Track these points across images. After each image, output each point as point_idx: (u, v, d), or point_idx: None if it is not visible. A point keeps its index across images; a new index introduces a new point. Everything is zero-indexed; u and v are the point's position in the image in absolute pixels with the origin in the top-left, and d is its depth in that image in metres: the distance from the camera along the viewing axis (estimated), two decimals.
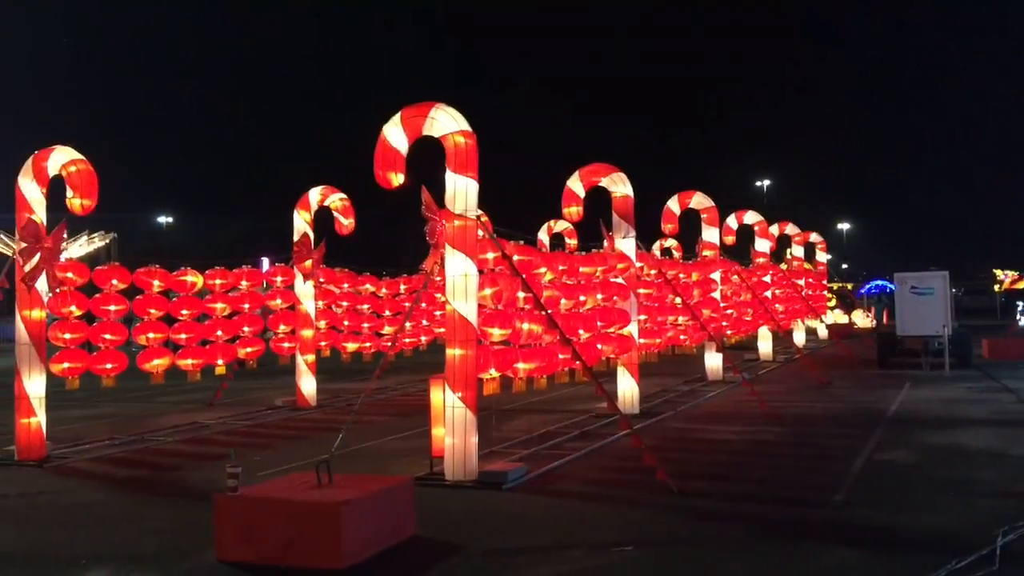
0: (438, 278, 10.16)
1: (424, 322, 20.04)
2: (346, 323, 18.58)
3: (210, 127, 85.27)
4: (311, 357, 16.64)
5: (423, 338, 20.48)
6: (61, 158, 11.49)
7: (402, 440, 12.52)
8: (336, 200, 16.44)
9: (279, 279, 16.91)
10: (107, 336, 13.07)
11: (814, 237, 33.70)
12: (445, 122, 9.62)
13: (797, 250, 31.22)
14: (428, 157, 9.94)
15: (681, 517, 8.16)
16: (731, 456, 11.04)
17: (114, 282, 13.31)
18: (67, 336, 12.32)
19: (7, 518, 8.57)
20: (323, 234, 16.73)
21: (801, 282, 28.61)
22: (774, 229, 28.11)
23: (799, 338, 28.50)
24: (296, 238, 16.36)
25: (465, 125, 9.63)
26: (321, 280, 17.16)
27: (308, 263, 16.30)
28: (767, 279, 24.47)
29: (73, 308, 12.22)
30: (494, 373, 9.92)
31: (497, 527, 7.94)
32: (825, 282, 34.72)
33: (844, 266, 66.24)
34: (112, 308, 13.22)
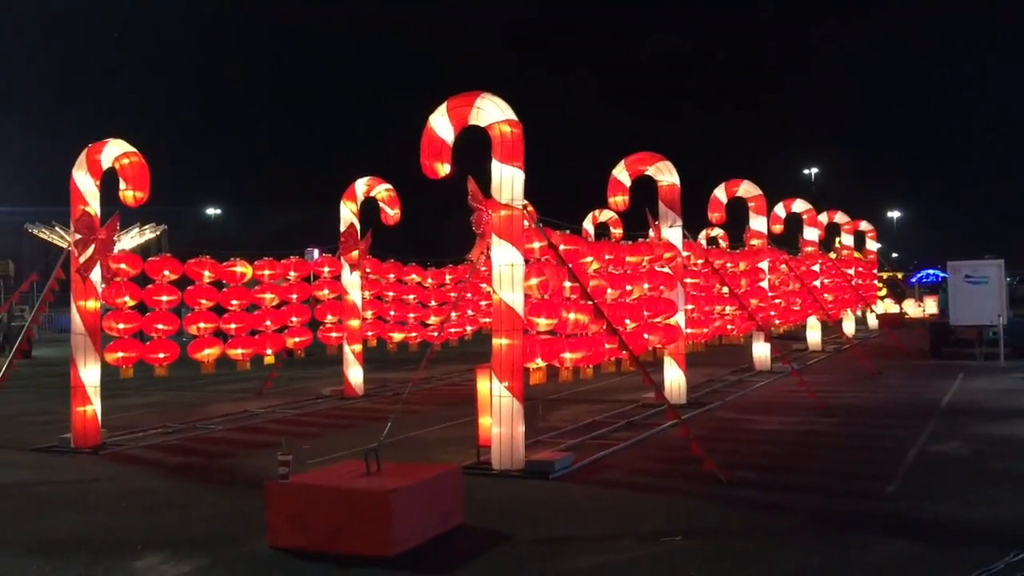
0: (484, 268, 10.16)
1: (469, 312, 20.09)
2: (392, 313, 18.69)
3: (257, 119, 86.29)
4: (358, 347, 16.77)
5: (468, 328, 20.53)
6: (114, 151, 11.68)
7: (449, 429, 12.58)
8: (382, 191, 16.53)
9: (326, 269, 17.05)
10: (159, 326, 13.28)
11: (864, 225, 33.14)
12: (491, 111, 9.61)
13: (847, 238, 30.74)
14: (474, 147, 9.95)
15: (730, 508, 8.09)
16: (780, 447, 10.92)
17: (166, 273, 13.51)
18: (121, 326, 12.54)
19: (64, 504, 8.76)
20: (369, 224, 16.84)
21: (851, 271, 28.19)
22: (823, 217, 27.70)
23: (849, 328, 28.10)
24: (343, 229, 16.48)
25: (511, 114, 9.61)
26: (367, 270, 17.27)
27: (355, 253, 16.42)
28: (816, 268, 24.14)
29: (127, 298, 12.44)
30: (541, 363, 9.91)
31: (545, 516, 7.94)
32: (875, 271, 34.16)
33: (895, 255, 65.15)
34: (164, 298, 13.42)
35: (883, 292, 39.72)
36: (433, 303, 19.75)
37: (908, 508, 7.97)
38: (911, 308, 40.38)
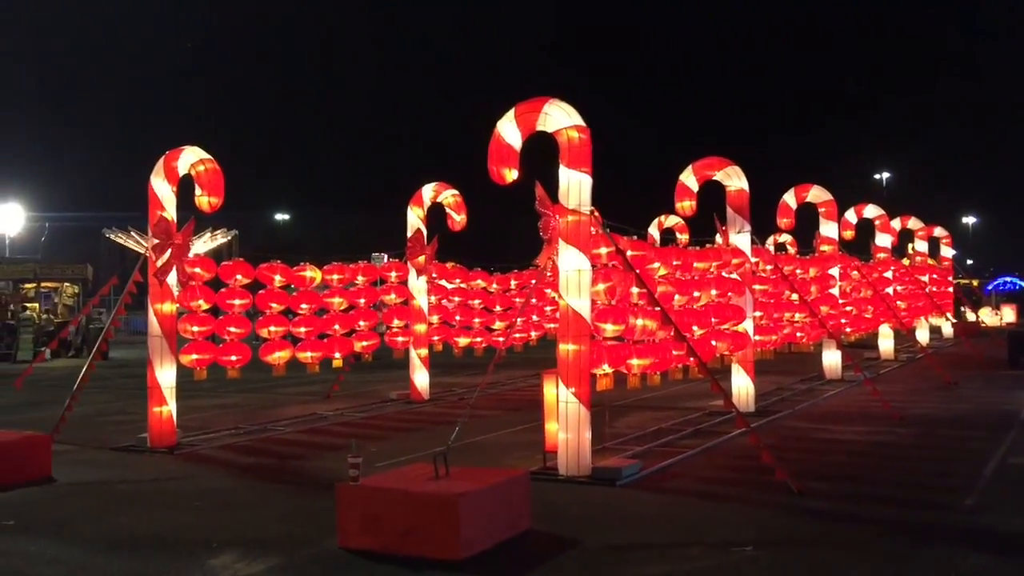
0: (549, 274, 10.18)
1: (535, 317, 20.11)
2: (458, 318, 18.79)
3: (326, 124, 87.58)
4: (424, 351, 16.90)
5: (533, 333, 20.55)
6: (190, 158, 11.98)
7: (515, 434, 12.59)
8: (449, 196, 16.64)
9: (393, 274, 17.23)
10: (232, 329, 13.55)
11: (938, 231, 32.31)
12: (558, 117, 9.62)
13: (920, 245, 30.01)
14: (541, 152, 9.97)
15: (801, 518, 7.95)
16: (852, 457, 10.70)
17: (238, 277, 13.78)
18: (195, 329, 12.83)
19: (141, 502, 8.99)
20: (436, 230, 16.97)
21: (925, 278, 27.51)
22: (896, 223, 27.09)
23: (923, 336, 27.42)
24: (410, 234, 16.64)
25: (579, 120, 9.61)
26: (434, 275, 17.41)
27: (421, 259, 16.56)
28: (888, 275, 23.60)
29: (201, 302, 12.72)
30: (607, 369, 9.87)
31: (612, 523, 7.90)
32: (951, 278, 33.28)
33: (970, 262, 63.41)
34: (236, 302, 13.69)
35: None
36: (498, 308, 19.82)
37: (987, 522, 7.74)
38: (988, 316, 39.24)
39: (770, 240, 22.59)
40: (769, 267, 15.49)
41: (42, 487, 9.67)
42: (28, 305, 35.73)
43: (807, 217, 19.44)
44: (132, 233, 33.92)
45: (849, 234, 21.84)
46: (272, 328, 14.69)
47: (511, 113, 9.84)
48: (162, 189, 12.02)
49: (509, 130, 9.82)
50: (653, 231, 21.44)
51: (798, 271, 17.13)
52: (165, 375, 11.99)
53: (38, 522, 8.20)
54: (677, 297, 11.49)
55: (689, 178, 13.64)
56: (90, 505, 8.94)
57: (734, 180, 14.00)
